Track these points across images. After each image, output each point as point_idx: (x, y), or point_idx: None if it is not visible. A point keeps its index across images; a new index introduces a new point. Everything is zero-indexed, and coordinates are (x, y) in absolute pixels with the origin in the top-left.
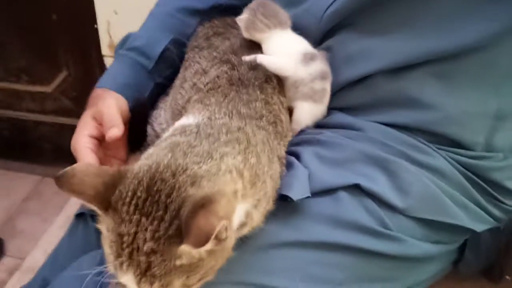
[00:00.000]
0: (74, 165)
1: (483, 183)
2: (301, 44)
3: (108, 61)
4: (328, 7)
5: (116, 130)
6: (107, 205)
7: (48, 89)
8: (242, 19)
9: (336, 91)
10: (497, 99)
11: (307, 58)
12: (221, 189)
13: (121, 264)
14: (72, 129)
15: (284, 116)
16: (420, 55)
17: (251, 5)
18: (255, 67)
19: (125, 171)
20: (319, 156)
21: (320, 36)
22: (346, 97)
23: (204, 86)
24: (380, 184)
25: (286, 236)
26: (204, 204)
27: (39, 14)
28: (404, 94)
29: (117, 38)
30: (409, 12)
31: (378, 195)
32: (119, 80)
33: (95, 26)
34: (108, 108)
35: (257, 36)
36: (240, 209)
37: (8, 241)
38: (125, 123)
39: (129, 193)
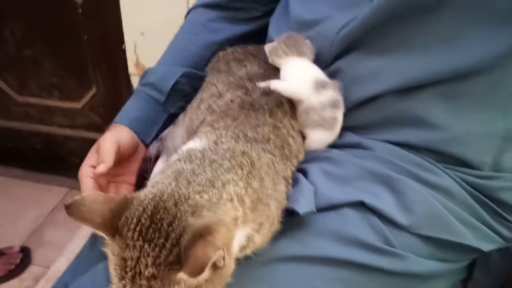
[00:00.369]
0: (84, 195)
1: (491, 203)
2: (315, 71)
3: (134, 80)
4: (340, 30)
5: (101, 166)
6: (113, 231)
7: (78, 105)
8: (268, 45)
9: (346, 111)
10: (504, 120)
11: (319, 86)
12: (220, 219)
13: (124, 286)
14: None
15: (294, 139)
16: (427, 75)
17: (281, 36)
18: (268, 93)
19: (132, 199)
20: (326, 172)
21: (331, 58)
22: (355, 117)
23: (218, 108)
24: (384, 201)
25: (291, 251)
26: (203, 234)
27: (71, 35)
28: (412, 114)
29: (143, 58)
30: (416, 33)
31: (382, 212)
32: (131, 114)
33: (123, 46)
34: (104, 143)
35: (276, 62)
36: (241, 234)
37: (35, 250)
38: (128, 154)
39: (134, 220)
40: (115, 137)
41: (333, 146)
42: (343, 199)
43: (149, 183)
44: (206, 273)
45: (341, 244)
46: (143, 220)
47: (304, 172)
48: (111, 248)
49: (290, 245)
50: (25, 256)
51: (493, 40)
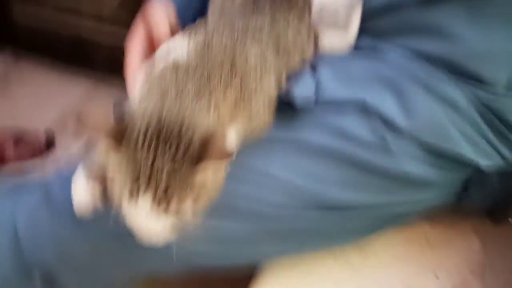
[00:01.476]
0: (89, 108)
1: (498, 122)
2: None
3: None
4: None
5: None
6: (121, 139)
7: None
8: None
9: (367, 16)
10: None
11: None
12: (214, 122)
13: (139, 187)
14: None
15: (298, 34)
16: None
17: None
18: None
19: (133, 112)
20: (335, 70)
21: None
22: (375, 22)
23: (224, 8)
24: (386, 102)
25: (289, 134)
26: (212, 137)
27: None
28: (433, 23)
29: None
30: None
31: (383, 112)
32: None
33: None
34: (156, 11)
35: None
36: (230, 133)
37: (58, 136)
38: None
39: (143, 127)
40: (166, 12)
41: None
42: (346, 96)
43: (137, 97)
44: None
45: (336, 136)
46: (152, 126)
47: (313, 66)
48: (116, 158)
49: (288, 128)
50: (49, 139)
51: None
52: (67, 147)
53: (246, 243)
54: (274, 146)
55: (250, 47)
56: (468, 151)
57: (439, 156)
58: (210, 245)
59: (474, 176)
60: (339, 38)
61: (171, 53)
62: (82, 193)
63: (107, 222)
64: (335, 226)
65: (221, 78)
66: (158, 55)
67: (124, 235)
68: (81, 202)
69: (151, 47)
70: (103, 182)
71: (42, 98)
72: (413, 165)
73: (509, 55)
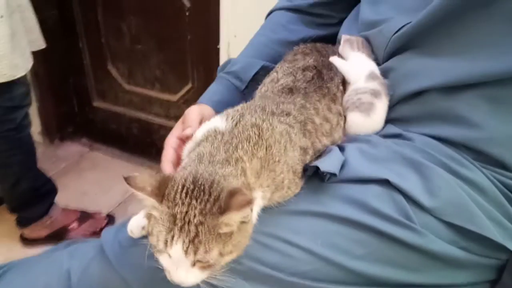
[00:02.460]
0: (134, 174)
1: None
2: (373, 66)
3: None
4: (398, 30)
5: (189, 129)
6: (161, 197)
7: (174, 98)
8: (347, 36)
9: (392, 105)
10: None
11: (370, 77)
12: (241, 184)
13: (172, 236)
14: None
15: (325, 120)
16: (471, 76)
17: (357, 35)
18: (311, 80)
19: (172, 175)
20: (361, 150)
21: (386, 57)
22: (400, 110)
23: (268, 92)
24: (410, 183)
25: (313, 207)
26: (237, 190)
27: (178, 34)
28: (454, 112)
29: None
30: (465, 36)
31: (406, 192)
32: (214, 98)
33: (218, 46)
34: (190, 113)
35: (346, 51)
36: (255, 197)
37: (118, 220)
38: None
39: (180, 186)
40: (200, 110)
41: (375, 133)
42: (371, 175)
43: (180, 167)
44: (246, 211)
45: (361, 210)
46: (187, 185)
47: (341, 148)
48: (158, 211)
49: (313, 203)
50: (109, 222)
51: None
52: None
53: None
54: (299, 218)
55: (277, 126)
56: (494, 235)
57: (467, 238)
58: None
59: (508, 262)
60: (360, 120)
61: (211, 124)
62: (136, 222)
63: (148, 273)
64: None
65: (247, 149)
66: (198, 132)
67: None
68: (133, 229)
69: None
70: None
71: (109, 184)
72: (441, 244)
73: None
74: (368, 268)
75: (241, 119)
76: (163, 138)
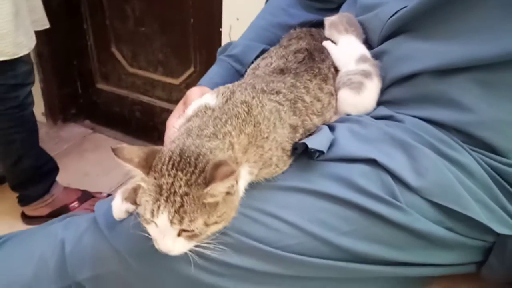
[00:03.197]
0: (124, 146)
1: None
2: (363, 50)
3: None
4: (393, 14)
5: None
6: (148, 169)
7: (176, 81)
8: (329, 19)
9: (385, 88)
10: None
11: (361, 60)
12: (227, 158)
13: (158, 206)
14: None
15: (316, 99)
16: (464, 60)
17: (340, 14)
18: (302, 61)
19: (160, 148)
20: (351, 130)
21: (381, 39)
22: (393, 93)
23: (260, 73)
24: (397, 163)
25: (301, 184)
26: (222, 162)
27: (181, 18)
28: (446, 95)
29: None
30: (459, 21)
31: (393, 171)
32: (214, 80)
33: (220, 29)
34: (191, 95)
35: (335, 36)
36: (242, 172)
37: None
38: None
39: (167, 158)
40: (201, 92)
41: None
42: (359, 154)
43: (170, 141)
44: (230, 181)
45: (347, 188)
46: (174, 157)
47: (331, 127)
48: (146, 182)
49: (301, 179)
50: None
51: None
52: None
53: (257, 284)
54: (287, 194)
55: (266, 103)
56: (481, 216)
57: (453, 218)
58: (223, 280)
59: (495, 244)
60: (350, 98)
61: (202, 100)
62: (118, 208)
63: (138, 243)
64: (349, 281)
65: (236, 125)
66: (189, 108)
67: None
68: (118, 215)
69: None
70: (133, 202)
71: (110, 165)
72: (426, 223)
73: None
74: (354, 244)
75: (231, 96)
76: (165, 121)
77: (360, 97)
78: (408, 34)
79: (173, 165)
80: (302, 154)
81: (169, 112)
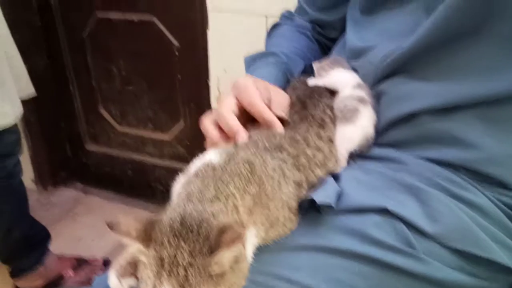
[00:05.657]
0: (118, 218)
1: None
2: (358, 78)
3: None
4: (386, 57)
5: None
6: (148, 241)
7: (167, 137)
8: (316, 63)
9: (385, 128)
10: None
11: (358, 86)
12: (232, 221)
13: (161, 281)
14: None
15: (318, 150)
16: (464, 98)
17: (327, 57)
18: (299, 111)
19: (160, 217)
20: (357, 179)
21: (375, 82)
22: (394, 134)
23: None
24: (410, 210)
25: (312, 241)
26: (227, 227)
27: (168, 74)
28: (449, 133)
29: (225, 92)
30: (452, 61)
31: (406, 219)
32: (268, 79)
33: (208, 81)
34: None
35: (323, 75)
36: (248, 235)
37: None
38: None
39: (167, 228)
40: (255, 84)
41: (369, 158)
42: (368, 204)
43: (168, 207)
44: (239, 249)
45: (361, 241)
46: (175, 227)
47: (336, 177)
48: (146, 256)
49: (312, 236)
50: (106, 267)
51: None
52: None
53: None
54: (298, 254)
55: (269, 161)
56: (501, 257)
57: (473, 263)
58: None
59: None
60: (347, 131)
61: (205, 158)
62: (116, 286)
63: None
64: None
65: (239, 186)
66: (192, 166)
67: None
68: None
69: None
70: (131, 276)
71: (104, 229)
72: (446, 272)
73: None
74: None
75: (234, 155)
76: (158, 178)
77: (355, 126)
78: (402, 75)
79: (174, 234)
80: (309, 209)
81: (161, 168)
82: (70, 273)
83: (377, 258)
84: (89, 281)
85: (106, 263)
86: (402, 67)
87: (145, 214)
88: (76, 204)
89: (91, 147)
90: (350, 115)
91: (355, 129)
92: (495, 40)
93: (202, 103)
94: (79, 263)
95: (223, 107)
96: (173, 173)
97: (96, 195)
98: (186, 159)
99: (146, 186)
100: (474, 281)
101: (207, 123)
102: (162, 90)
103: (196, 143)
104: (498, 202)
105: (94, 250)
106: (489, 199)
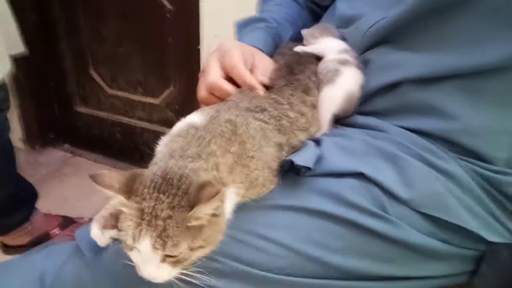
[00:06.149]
0: (101, 171)
1: (501, 197)
2: (344, 44)
3: None
4: (371, 26)
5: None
6: (129, 193)
7: (156, 101)
8: (305, 30)
9: (368, 97)
10: None
11: (343, 50)
12: (212, 178)
13: (140, 231)
14: None
15: (300, 113)
16: (446, 69)
17: (316, 24)
18: (284, 76)
19: (142, 171)
20: (337, 144)
21: (362, 50)
22: (377, 102)
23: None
24: (385, 175)
25: (290, 202)
26: (206, 183)
27: (159, 37)
28: (429, 103)
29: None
30: (440, 32)
31: (382, 184)
32: (257, 45)
33: (199, 47)
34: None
35: (311, 43)
36: (228, 193)
37: None
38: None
39: (148, 181)
40: (241, 49)
41: (351, 125)
42: (347, 168)
43: (151, 164)
44: (215, 203)
45: (337, 203)
46: (156, 180)
47: (317, 141)
48: (127, 206)
49: (290, 196)
50: None
51: (509, 42)
52: None
53: None
54: (276, 213)
55: (251, 122)
56: (472, 225)
57: (444, 229)
58: None
59: (486, 253)
60: (328, 92)
61: (187, 119)
62: (100, 237)
63: (122, 270)
64: None
65: (221, 144)
66: (174, 127)
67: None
68: (102, 243)
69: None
70: (113, 228)
71: (91, 190)
72: (417, 235)
73: (506, 133)
74: (345, 261)
75: (216, 115)
76: (146, 142)
77: (335, 86)
78: (389, 45)
79: (154, 187)
80: (289, 171)
81: (150, 132)
82: (56, 230)
83: (351, 219)
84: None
85: None
86: (390, 36)
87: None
88: (64, 165)
89: (80, 108)
90: (330, 76)
91: (336, 89)
92: (483, 12)
93: (192, 68)
94: (66, 221)
95: (211, 75)
96: (161, 137)
97: (84, 156)
98: (175, 124)
99: (135, 149)
100: (445, 247)
101: (203, 94)
102: (152, 54)
103: (185, 108)
104: (472, 173)
105: (80, 210)
106: (464, 169)
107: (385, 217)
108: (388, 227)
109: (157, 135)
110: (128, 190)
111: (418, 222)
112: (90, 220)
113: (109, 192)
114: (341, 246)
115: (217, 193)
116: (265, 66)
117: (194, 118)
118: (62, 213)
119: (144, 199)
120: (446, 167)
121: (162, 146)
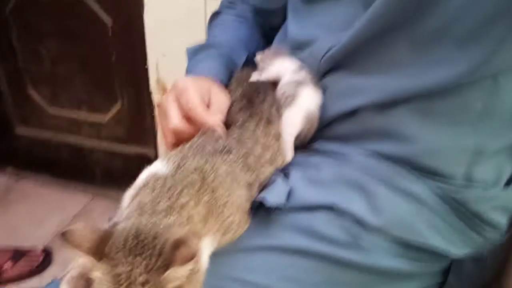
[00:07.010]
0: (73, 226)
1: (465, 210)
2: (298, 62)
3: (156, 97)
4: (326, 52)
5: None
6: (100, 255)
7: (104, 118)
8: (258, 55)
9: (329, 123)
10: (475, 137)
11: (295, 71)
12: (187, 232)
13: None
14: (122, 156)
15: (267, 148)
16: (400, 92)
17: (269, 48)
18: (242, 109)
19: (113, 230)
20: (305, 176)
21: (319, 75)
22: (338, 128)
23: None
24: (355, 204)
25: (265, 241)
26: (181, 242)
27: (101, 54)
28: (388, 128)
29: (164, 76)
30: (386, 56)
31: (353, 214)
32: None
33: (146, 66)
34: (184, 85)
35: (266, 66)
36: (204, 244)
37: (55, 253)
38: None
39: (122, 242)
40: (197, 84)
41: (316, 152)
42: (317, 201)
43: (121, 219)
44: (191, 264)
45: (310, 238)
46: (129, 241)
47: (286, 174)
48: (99, 271)
49: (263, 235)
50: (46, 257)
51: (456, 62)
52: (66, 263)
53: None
54: (251, 255)
55: (220, 167)
56: (438, 242)
57: (412, 248)
58: None
59: (452, 264)
60: (286, 115)
61: (152, 168)
62: None
63: None
64: None
65: (192, 195)
66: (138, 178)
67: None
68: None
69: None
70: None
71: (41, 215)
72: (388, 259)
73: (461, 151)
74: None
75: (182, 162)
76: (96, 161)
77: (291, 108)
78: (344, 70)
79: (130, 250)
80: (260, 208)
81: (99, 150)
82: (8, 265)
83: (325, 253)
84: (29, 273)
85: (46, 253)
86: (342, 61)
87: (86, 198)
88: (9, 191)
89: (20, 130)
90: (289, 100)
91: (295, 111)
92: (429, 34)
93: (141, 85)
94: (17, 254)
95: (172, 120)
96: (112, 155)
97: (30, 180)
98: (126, 141)
99: (85, 168)
100: (415, 265)
101: (170, 140)
102: (96, 71)
103: (135, 124)
104: (436, 189)
105: (32, 239)
106: (428, 187)
107: (358, 246)
108: (361, 255)
109: (108, 153)
110: (99, 252)
111: (388, 245)
112: (44, 250)
113: (78, 252)
114: (319, 280)
115: (193, 255)
116: (219, 103)
117: (159, 167)
118: (12, 244)
119: (119, 263)
120: (410, 188)
121: (128, 200)
